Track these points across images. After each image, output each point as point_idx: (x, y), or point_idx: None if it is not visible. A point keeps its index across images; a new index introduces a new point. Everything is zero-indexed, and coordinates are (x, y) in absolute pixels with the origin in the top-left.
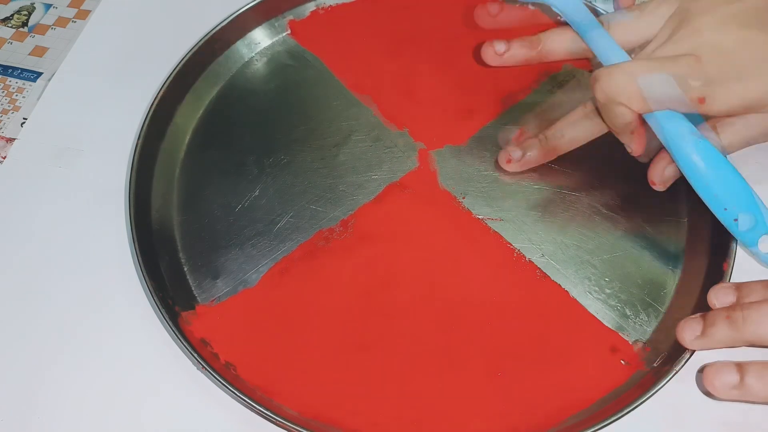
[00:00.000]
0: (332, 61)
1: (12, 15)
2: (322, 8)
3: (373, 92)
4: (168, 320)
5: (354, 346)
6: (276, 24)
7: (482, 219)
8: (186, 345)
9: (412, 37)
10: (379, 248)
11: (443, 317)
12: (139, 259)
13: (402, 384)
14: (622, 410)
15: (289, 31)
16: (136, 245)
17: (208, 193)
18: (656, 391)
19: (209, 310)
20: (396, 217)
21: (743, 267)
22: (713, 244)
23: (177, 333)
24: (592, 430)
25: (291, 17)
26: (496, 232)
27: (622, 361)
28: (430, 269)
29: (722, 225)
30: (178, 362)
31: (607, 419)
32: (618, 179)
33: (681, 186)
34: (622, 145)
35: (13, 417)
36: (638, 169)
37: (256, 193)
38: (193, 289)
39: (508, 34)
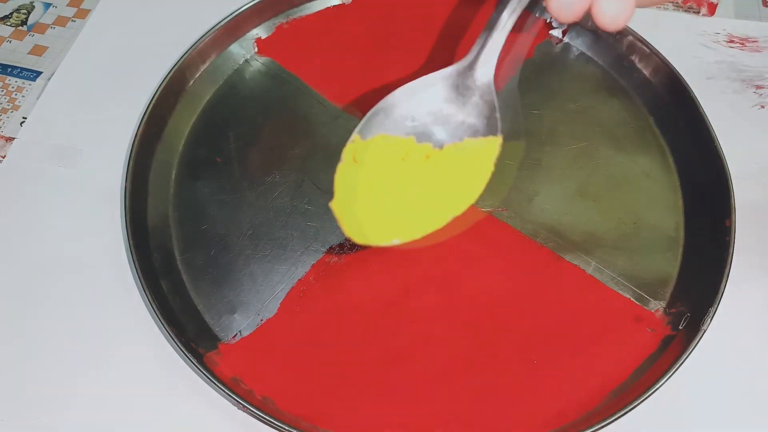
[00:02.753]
0: (308, 75)
1: (11, 13)
2: (287, 22)
3: (355, 101)
4: (197, 365)
5: (387, 358)
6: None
7: (489, 211)
8: (222, 387)
9: (384, 41)
10: (393, 256)
11: (468, 314)
12: (154, 306)
13: (442, 387)
14: (662, 377)
15: (256, 50)
16: (147, 292)
17: (207, 227)
18: (690, 353)
19: (233, 346)
20: None
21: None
22: (713, 203)
23: (210, 377)
24: (639, 400)
25: (259, 35)
26: (504, 222)
27: (649, 329)
28: (446, 268)
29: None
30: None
31: (649, 389)
32: (609, 154)
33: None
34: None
35: None
36: (628, 143)
37: (257, 220)
38: (212, 327)
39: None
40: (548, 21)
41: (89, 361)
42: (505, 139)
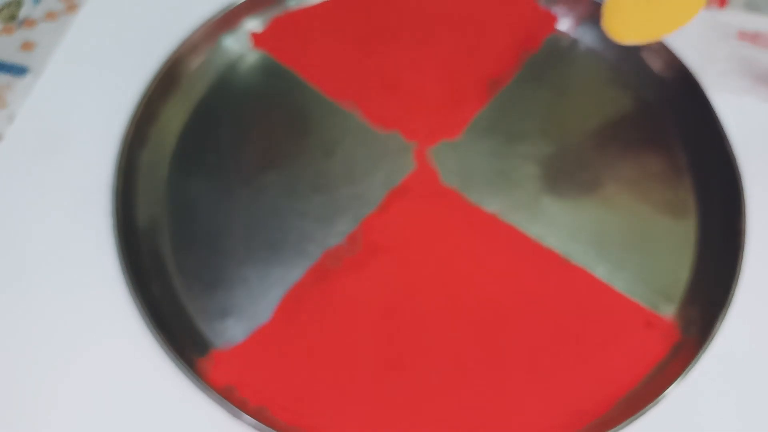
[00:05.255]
0: (305, 69)
1: (0, 9)
2: (283, 15)
3: (353, 96)
4: (189, 372)
5: (386, 367)
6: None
7: (493, 212)
8: (215, 396)
9: (384, 34)
10: (393, 259)
11: (473, 319)
12: (144, 310)
13: (445, 395)
14: (671, 384)
15: (251, 43)
16: (137, 296)
17: (199, 228)
18: (701, 359)
19: (226, 353)
20: (404, 224)
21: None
22: (725, 204)
23: (202, 385)
24: (649, 407)
25: (255, 29)
26: (509, 223)
27: (659, 334)
28: (450, 272)
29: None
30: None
31: (659, 395)
32: (622, 154)
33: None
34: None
35: None
36: (638, 141)
37: (251, 221)
38: (204, 333)
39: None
40: (555, 14)
41: (76, 368)
42: None
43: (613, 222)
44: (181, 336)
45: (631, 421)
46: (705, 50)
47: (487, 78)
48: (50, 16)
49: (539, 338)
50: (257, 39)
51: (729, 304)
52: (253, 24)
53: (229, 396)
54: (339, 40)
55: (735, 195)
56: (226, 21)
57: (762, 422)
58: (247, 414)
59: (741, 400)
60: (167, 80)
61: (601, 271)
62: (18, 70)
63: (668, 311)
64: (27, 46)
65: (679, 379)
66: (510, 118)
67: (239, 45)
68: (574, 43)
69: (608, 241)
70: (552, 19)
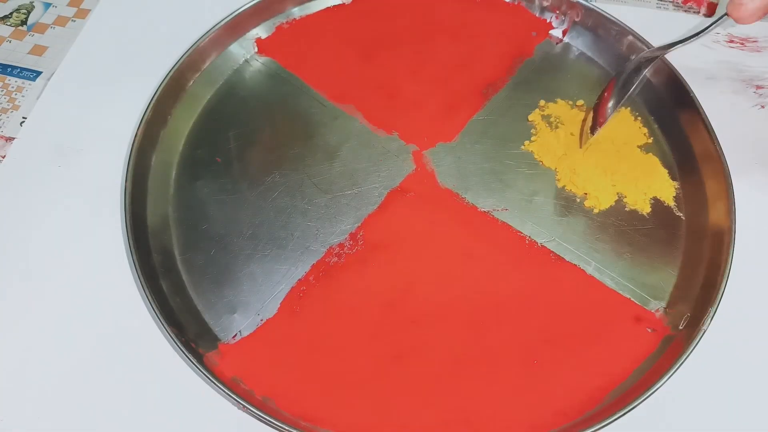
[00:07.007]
0: (308, 75)
1: (11, 13)
2: (287, 22)
3: (355, 101)
4: (197, 365)
5: (387, 358)
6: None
7: (488, 212)
8: (222, 387)
9: (384, 41)
10: (393, 256)
11: (469, 314)
12: (154, 306)
13: (442, 387)
14: (662, 377)
15: (256, 50)
16: (147, 292)
17: (206, 227)
18: (690, 353)
19: (233, 346)
20: (404, 222)
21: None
22: (713, 203)
23: (210, 377)
24: (639, 401)
25: (260, 36)
26: (504, 222)
27: (648, 329)
28: (447, 268)
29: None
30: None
31: (649, 389)
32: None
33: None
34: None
35: None
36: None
37: (257, 220)
38: (212, 327)
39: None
40: (548, 21)
41: (90, 361)
42: None
43: (603, 222)
44: (190, 330)
45: (621, 414)
46: (695, 55)
47: (481, 84)
48: (60, 21)
49: (531, 332)
50: (262, 45)
51: (717, 300)
52: (259, 31)
53: (236, 388)
54: (341, 48)
55: (723, 195)
56: (233, 28)
57: (750, 416)
58: (253, 405)
59: (730, 393)
60: (176, 84)
61: (592, 268)
62: (29, 74)
63: (658, 306)
64: (37, 50)
65: (668, 372)
66: (503, 122)
67: (245, 51)
68: (566, 48)
69: (598, 240)
70: (545, 26)
